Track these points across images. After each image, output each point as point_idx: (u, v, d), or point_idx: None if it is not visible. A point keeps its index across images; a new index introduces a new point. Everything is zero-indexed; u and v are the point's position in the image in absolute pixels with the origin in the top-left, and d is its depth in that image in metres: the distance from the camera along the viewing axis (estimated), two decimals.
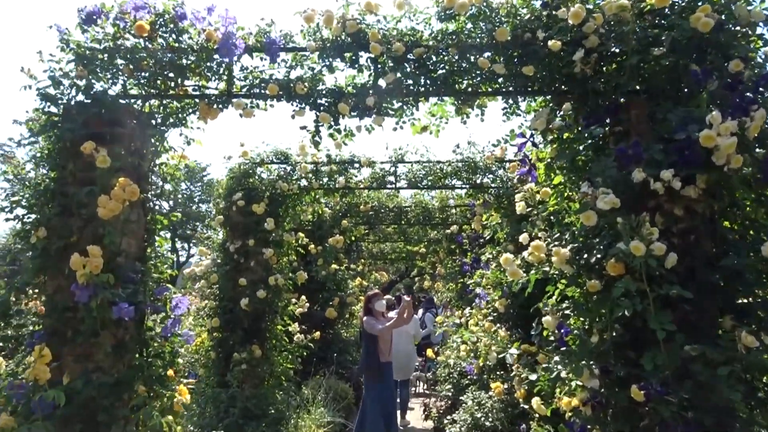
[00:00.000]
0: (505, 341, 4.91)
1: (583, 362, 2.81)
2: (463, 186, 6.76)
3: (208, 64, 3.69)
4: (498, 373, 5.73)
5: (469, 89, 3.58)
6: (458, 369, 7.15)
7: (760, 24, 3.11)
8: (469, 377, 6.70)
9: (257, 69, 3.75)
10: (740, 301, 2.91)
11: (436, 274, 13.72)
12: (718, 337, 2.82)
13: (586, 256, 3.11)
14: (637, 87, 3.22)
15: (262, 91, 3.68)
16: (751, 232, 3.03)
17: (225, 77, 3.79)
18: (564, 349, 2.96)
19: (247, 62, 3.77)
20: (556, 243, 3.21)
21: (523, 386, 3.76)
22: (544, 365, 3.12)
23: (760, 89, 2.76)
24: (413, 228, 11.71)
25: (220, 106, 3.76)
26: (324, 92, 3.64)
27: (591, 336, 2.90)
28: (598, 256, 2.98)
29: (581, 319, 3.07)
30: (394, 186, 6.80)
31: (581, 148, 3.30)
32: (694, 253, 2.94)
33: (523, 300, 5.94)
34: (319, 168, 6.70)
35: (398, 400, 8.20)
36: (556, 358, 3.07)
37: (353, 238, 10.69)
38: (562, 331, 2.96)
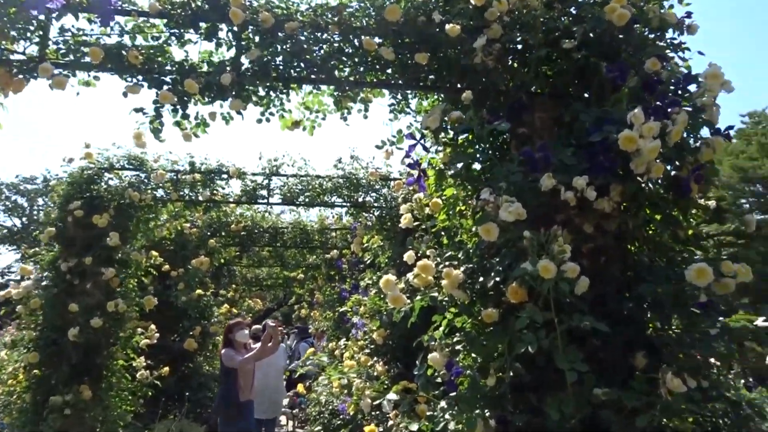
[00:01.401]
0: (382, 379, 4.31)
1: (477, 411, 2.25)
2: (344, 204, 6.16)
3: (15, 20, 2.80)
4: (374, 413, 5.10)
5: (352, 78, 2.98)
6: (330, 407, 6.44)
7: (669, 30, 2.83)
8: (341, 417, 6.01)
9: (82, 32, 2.91)
10: (653, 334, 2.52)
11: (315, 301, 12.96)
12: (630, 378, 2.39)
13: (482, 279, 2.59)
14: (543, 87, 2.80)
15: (84, 59, 2.84)
16: (660, 258, 2.68)
17: (38, 39, 2.91)
18: (454, 394, 2.39)
19: (72, 25, 2.93)
20: (447, 263, 2.66)
21: None
22: (428, 413, 2.54)
23: (679, 91, 2.42)
24: (290, 251, 10.92)
25: (27, 74, 2.87)
26: (168, 66, 2.88)
27: (486, 377, 2.35)
28: (497, 279, 2.47)
29: (474, 356, 2.53)
30: (266, 201, 6.05)
31: (479, 153, 2.81)
32: (604, 278, 2.51)
33: (404, 330, 5.40)
34: (180, 177, 5.81)
35: None
36: (443, 404, 2.50)
37: (222, 261, 9.68)
38: (452, 371, 2.40)
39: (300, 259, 11.17)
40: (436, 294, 2.64)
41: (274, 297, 23.01)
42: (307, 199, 6.05)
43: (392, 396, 2.50)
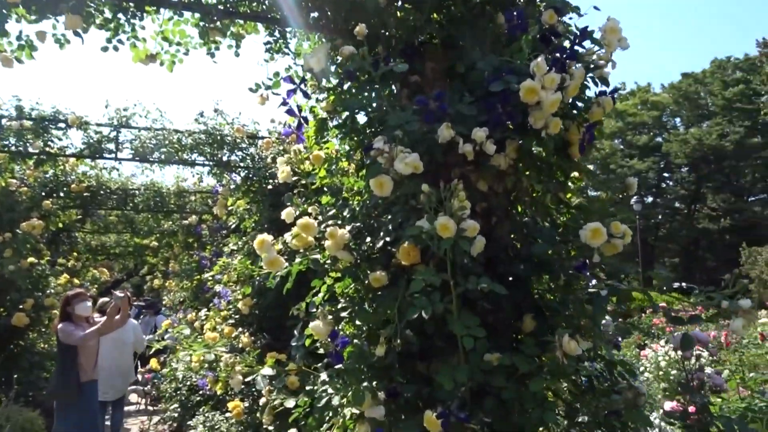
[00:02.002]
0: (250, 352, 3.96)
1: (365, 384, 2.03)
2: (206, 163, 5.61)
3: None
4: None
5: (221, 6, 2.56)
6: (188, 383, 5.95)
7: None
8: (201, 393, 5.57)
9: None
10: (540, 296, 2.45)
11: (170, 271, 12.06)
12: (518, 342, 2.31)
13: (369, 239, 2.35)
14: (435, 34, 2.59)
15: None
16: (542, 220, 2.62)
17: None
18: (340, 366, 2.14)
19: None
20: (331, 222, 2.38)
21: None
22: (308, 388, 2.28)
23: (576, 46, 2.32)
24: (142, 217, 9.99)
25: None
26: None
27: (375, 346, 2.13)
28: (387, 239, 2.24)
29: (359, 323, 2.30)
30: (114, 156, 5.33)
31: (367, 101, 2.54)
32: (495, 239, 2.39)
33: (272, 299, 5.07)
34: (5, 124, 4.90)
35: (109, 425, 6.60)
36: (324, 377, 2.25)
37: (60, 225, 8.57)
38: (338, 342, 2.15)
39: (153, 225, 10.26)
40: (318, 256, 2.35)
41: (123, 267, 21.36)
42: (162, 156, 5.42)
43: (267, 371, 2.20)
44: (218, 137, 5.41)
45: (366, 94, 2.44)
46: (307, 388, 2.30)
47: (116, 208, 8.43)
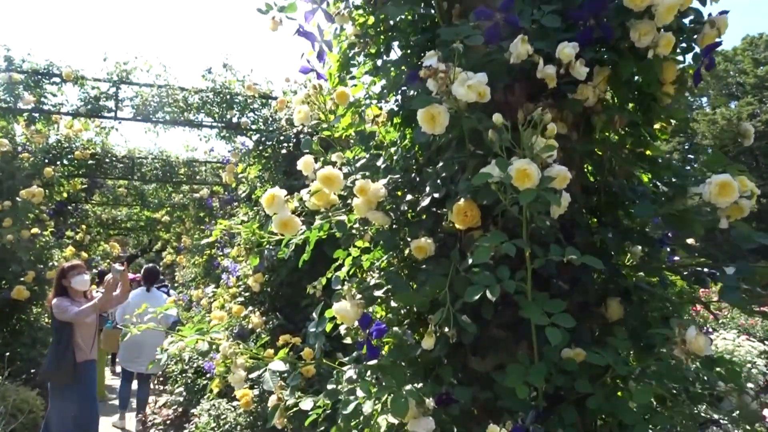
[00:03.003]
0: (260, 335, 3.48)
1: (408, 387, 1.51)
2: (214, 124, 5.09)
3: None
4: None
5: None
6: (195, 365, 5.50)
7: None
8: (208, 377, 5.12)
9: None
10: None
11: (182, 246, 11.65)
12: (603, 334, 1.78)
13: (410, 196, 1.82)
14: None
15: None
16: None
17: None
18: (374, 363, 1.63)
19: None
20: (361, 175, 1.85)
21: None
22: (329, 387, 1.77)
23: None
24: (152, 188, 9.54)
25: None
26: None
27: (419, 336, 1.62)
28: (436, 195, 1.70)
29: (398, 306, 1.77)
30: (114, 115, 4.82)
31: (405, 25, 1.98)
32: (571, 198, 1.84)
33: (286, 275, 4.57)
34: None
35: (134, 402, 6.31)
36: (351, 374, 1.73)
37: (65, 195, 8.13)
38: (371, 330, 1.62)
39: (163, 197, 9.81)
40: (343, 218, 1.82)
41: (138, 242, 21.13)
42: (166, 117, 4.90)
43: (277, 365, 1.69)
44: (228, 96, 4.88)
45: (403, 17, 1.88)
46: (329, 386, 1.79)
47: (123, 178, 7.95)
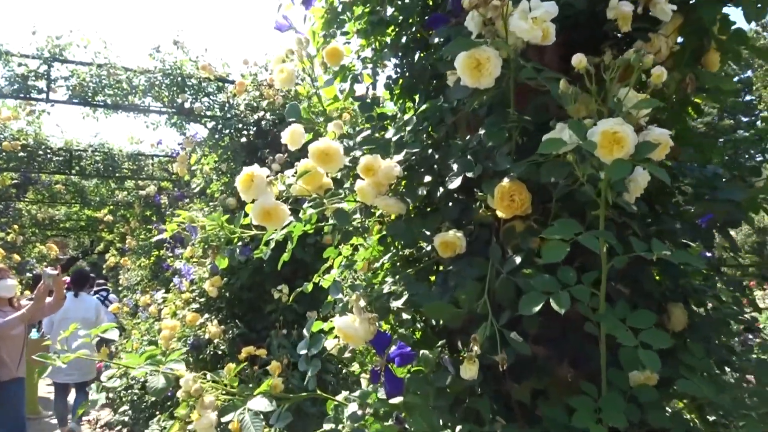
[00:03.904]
0: (231, 375, 3.00)
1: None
2: (164, 110, 4.54)
3: None
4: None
5: None
6: (142, 380, 4.92)
7: None
8: None
9: None
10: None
11: (126, 248, 10.87)
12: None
13: (429, 178, 1.41)
14: None
15: None
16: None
17: None
18: (399, 400, 1.20)
19: None
20: (366, 150, 1.42)
21: None
22: (327, 427, 1.34)
23: None
24: (93, 185, 8.80)
25: None
26: None
27: (457, 360, 1.21)
28: (468, 174, 1.29)
29: (421, 320, 1.37)
30: (45, 97, 4.22)
31: None
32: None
33: (249, 276, 4.10)
34: None
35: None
36: (354, 409, 1.31)
37: None
38: (393, 354, 1.19)
39: (106, 195, 9.06)
40: (343, 205, 1.40)
41: (79, 244, 19.99)
42: (107, 100, 4.32)
43: (259, 403, 1.25)
44: (179, 78, 4.35)
45: None
46: (326, 427, 1.36)
47: (59, 172, 7.22)
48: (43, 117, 5.85)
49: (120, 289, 11.63)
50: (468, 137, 1.35)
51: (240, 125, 4.26)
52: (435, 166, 1.44)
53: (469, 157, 1.32)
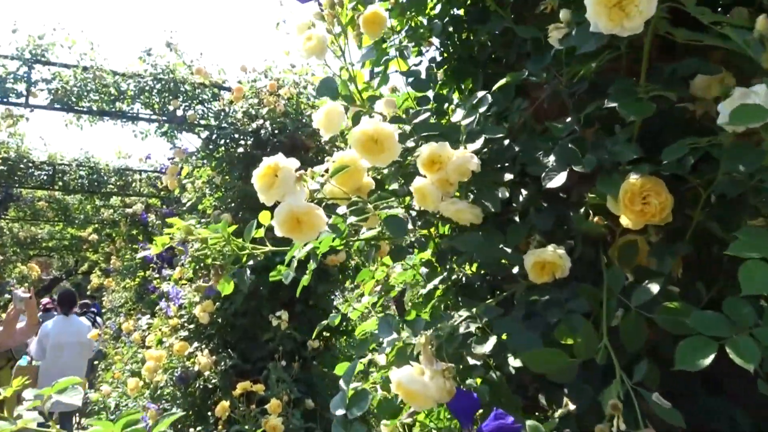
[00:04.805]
0: (211, 377, 2.60)
1: None
2: (154, 117, 4.18)
3: None
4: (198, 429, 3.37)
5: None
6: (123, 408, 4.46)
7: None
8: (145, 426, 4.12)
9: None
10: None
11: (111, 268, 10.40)
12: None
13: (508, 176, 1.05)
14: None
15: None
16: None
17: None
18: None
19: None
20: (424, 139, 1.07)
21: None
22: None
23: None
24: (77, 202, 8.37)
25: None
26: None
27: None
28: (578, 169, 0.94)
29: (492, 367, 0.99)
30: (25, 102, 3.84)
31: None
32: None
33: (243, 300, 3.70)
34: None
35: None
36: None
37: None
38: (487, 427, 0.83)
39: (90, 212, 8.62)
40: (398, 211, 1.03)
41: (63, 264, 19.42)
42: (93, 106, 3.95)
43: None
44: (171, 83, 3.99)
45: None
46: None
47: (41, 187, 6.79)
48: (25, 128, 5.47)
49: (103, 311, 11.14)
50: (567, 120, 1.00)
51: (236, 135, 3.90)
52: (515, 160, 1.09)
53: (571, 146, 0.97)
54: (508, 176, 1.04)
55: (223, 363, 3.50)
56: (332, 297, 4.16)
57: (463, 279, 1.33)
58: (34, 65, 3.75)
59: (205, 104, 4.14)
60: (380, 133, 0.98)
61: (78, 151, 6.63)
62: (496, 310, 0.96)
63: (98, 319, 8.20)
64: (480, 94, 1.06)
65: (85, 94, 3.85)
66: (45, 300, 7.66)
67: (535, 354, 0.85)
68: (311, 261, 1.28)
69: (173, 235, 1.23)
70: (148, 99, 4.01)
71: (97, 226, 9.60)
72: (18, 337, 3.77)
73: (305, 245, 1.13)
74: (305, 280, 1.35)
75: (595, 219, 1.00)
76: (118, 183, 6.84)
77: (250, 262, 1.26)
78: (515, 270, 1.02)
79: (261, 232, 1.25)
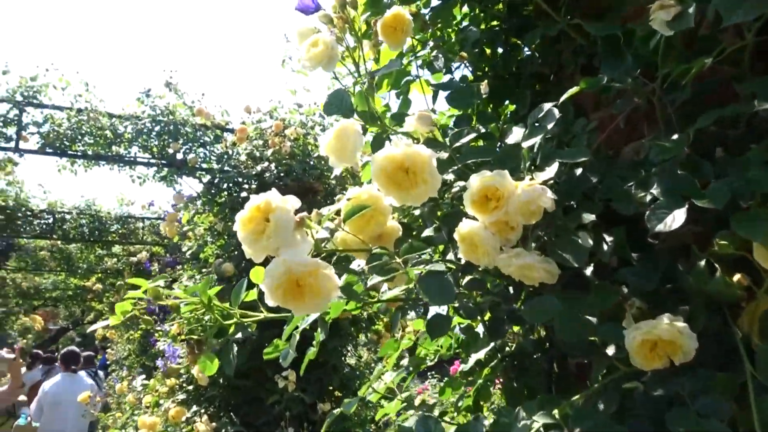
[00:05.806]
0: None
1: None
2: (152, 161, 3.95)
3: None
4: None
5: None
6: None
7: None
8: None
9: None
10: None
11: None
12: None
13: (587, 215, 0.77)
14: None
15: None
16: None
17: None
18: None
19: None
20: (466, 167, 0.79)
21: None
22: None
23: None
24: (79, 251, 8.14)
25: None
26: None
27: None
28: (710, 206, 0.65)
29: None
30: (15, 146, 3.63)
31: None
32: None
33: (246, 360, 3.37)
34: None
35: None
36: None
37: None
38: None
39: (93, 261, 8.37)
40: (437, 267, 0.74)
41: (70, 314, 19.16)
42: (89, 149, 3.73)
43: None
44: (171, 126, 3.77)
45: None
46: None
47: (41, 237, 6.56)
48: (23, 174, 5.26)
49: (108, 363, 10.79)
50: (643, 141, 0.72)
51: (240, 178, 3.66)
52: (589, 196, 0.80)
53: (680, 172, 0.68)
54: (589, 217, 0.75)
55: (224, 430, 3.15)
56: (344, 353, 3.82)
57: (514, 347, 1.03)
58: (25, 108, 3.55)
59: (207, 147, 3.92)
60: (414, 160, 0.70)
61: (78, 198, 6.43)
62: (588, 412, 0.65)
63: (100, 373, 7.83)
64: (546, 106, 0.78)
65: (79, 137, 3.64)
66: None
67: None
68: (319, 330, 0.99)
69: (136, 299, 0.95)
70: (146, 142, 3.80)
71: (100, 275, 9.35)
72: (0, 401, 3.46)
73: (308, 317, 0.84)
74: (311, 353, 1.06)
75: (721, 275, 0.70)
76: (120, 231, 6.60)
77: (239, 335, 0.96)
78: (610, 351, 0.71)
79: (254, 294, 0.97)
